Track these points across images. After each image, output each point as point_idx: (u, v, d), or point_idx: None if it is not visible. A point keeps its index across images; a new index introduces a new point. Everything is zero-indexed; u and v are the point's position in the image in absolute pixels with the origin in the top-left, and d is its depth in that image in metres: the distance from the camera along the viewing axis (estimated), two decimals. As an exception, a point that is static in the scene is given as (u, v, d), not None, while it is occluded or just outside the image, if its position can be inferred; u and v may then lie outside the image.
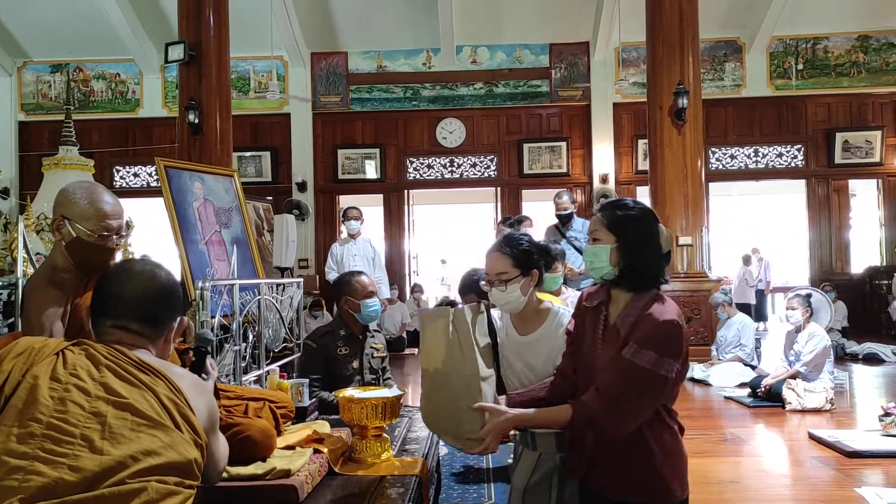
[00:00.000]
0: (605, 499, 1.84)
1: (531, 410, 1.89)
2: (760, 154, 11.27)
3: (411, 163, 11.53)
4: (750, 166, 11.31)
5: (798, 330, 5.86)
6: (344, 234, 7.02)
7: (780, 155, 11.25)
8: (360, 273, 3.48)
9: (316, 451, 2.07)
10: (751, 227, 14.15)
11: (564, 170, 11.25)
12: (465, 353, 1.91)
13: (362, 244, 6.93)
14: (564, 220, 6.15)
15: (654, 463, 1.78)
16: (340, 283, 3.45)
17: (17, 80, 11.61)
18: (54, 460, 1.23)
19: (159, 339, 1.58)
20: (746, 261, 10.74)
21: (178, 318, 1.64)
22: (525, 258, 2.17)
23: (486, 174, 11.49)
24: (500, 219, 11.03)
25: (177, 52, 7.82)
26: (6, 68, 11.48)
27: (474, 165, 11.49)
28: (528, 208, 10.56)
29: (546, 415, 1.87)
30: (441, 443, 2.94)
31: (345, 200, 12.14)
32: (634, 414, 1.74)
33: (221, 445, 1.62)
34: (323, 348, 3.30)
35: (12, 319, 3.31)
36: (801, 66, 11.15)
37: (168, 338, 1.61)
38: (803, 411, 5.49)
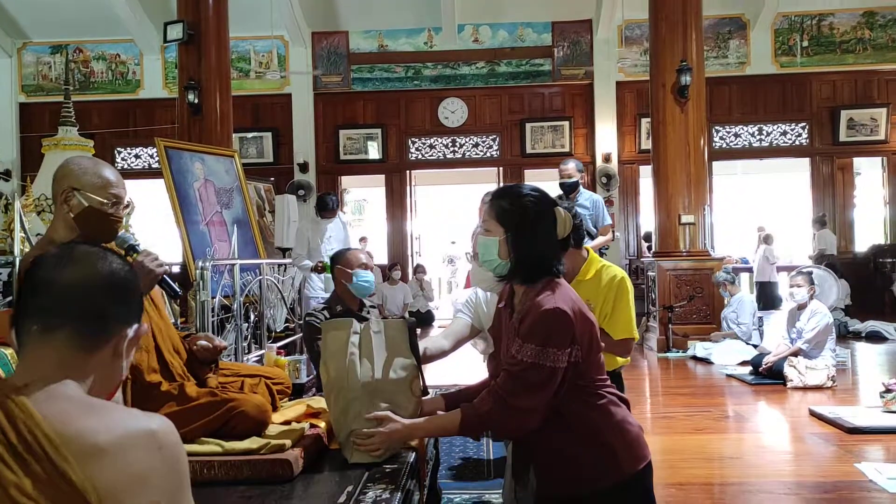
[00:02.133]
0: (559, 498, 1.77)
1: (423, 420, 1.86)
2: (764, 132, 11.18)
3: (413, 143, 11.48)
4: (754, 145, 11.23)
5: (801, 307, 5.84)
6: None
7: (784, 133, 11.16)
8: (356, 249, 3.54)
9: (311, 426, 2.07)
10: (755, 206, 14.06)
11: (567, 149, 11.17)
12: (361, 365, 1.89)
13: (335, 224, 6.69)
14: (569, 191, 5.44)
15: (587, 444, 1.72)
16: (336, 255, 3.44)
17: (17, 61, 11.56)
18: None
19: (101, 353, 1.06)
20: (766, 239, 10.64)
21: (134, 325, 1.11)
22: None
23: (488, 154, 11.44)
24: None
25: (175, 32, 7.75)
26: (6, 50, 11.43)
27: (476, 145, 11.44)
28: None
29: (437, 422, 1.85)
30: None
31: (347, 181, 12.11)
32: (527, 410, 1.69)
33: None
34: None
35: (11, 298, 3.33)
36: (806, 43, 11.03)
37: (118, 350, 1.09)
38: (805, 388, 5.49)
